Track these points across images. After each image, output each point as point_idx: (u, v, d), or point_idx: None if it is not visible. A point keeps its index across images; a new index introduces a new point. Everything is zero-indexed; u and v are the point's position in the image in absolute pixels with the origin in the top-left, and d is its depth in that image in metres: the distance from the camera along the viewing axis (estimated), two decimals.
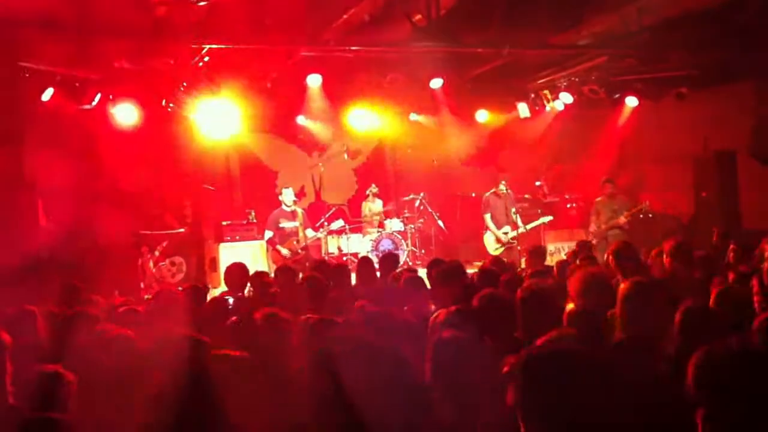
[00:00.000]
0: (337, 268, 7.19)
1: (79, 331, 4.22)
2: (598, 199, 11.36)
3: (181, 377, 2.74)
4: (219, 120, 11.63)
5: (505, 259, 8.89)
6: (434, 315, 4.15)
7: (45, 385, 3.26)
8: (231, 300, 6.12)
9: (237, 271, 6.68)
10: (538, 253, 7.89)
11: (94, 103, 10.17)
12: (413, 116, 13.42)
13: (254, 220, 12.13)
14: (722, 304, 4.01)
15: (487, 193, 11.57)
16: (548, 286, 4.52)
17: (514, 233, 11.18)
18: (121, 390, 3.18)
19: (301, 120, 12.74)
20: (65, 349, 3.87)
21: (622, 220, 10.87)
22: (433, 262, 7.02)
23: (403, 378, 2.73)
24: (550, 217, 11.79)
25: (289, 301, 5.43)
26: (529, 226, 11.31)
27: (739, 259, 6.05)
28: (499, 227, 11.39)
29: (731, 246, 6.52)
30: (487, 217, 11.46)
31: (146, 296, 10.81)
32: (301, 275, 7.89)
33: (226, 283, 6.61)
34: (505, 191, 11.34)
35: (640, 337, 3.54)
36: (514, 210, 11.34)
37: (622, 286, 3.86)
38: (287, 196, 10.86)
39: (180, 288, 8.57)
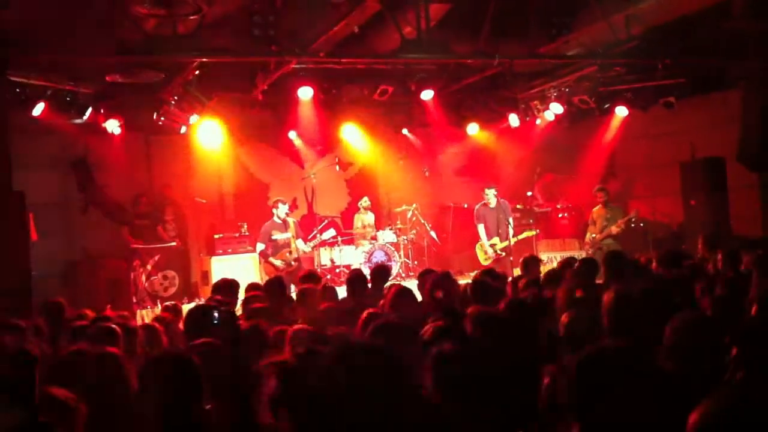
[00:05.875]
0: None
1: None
2: (595, 208, 11.38)
3: None
4: (210, 132, 11.62)
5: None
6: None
7: None
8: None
9: (225, 287, 6.56)
10: (532, 262, 7.84)
11: (85, 117, 10.18)
12: (404, 129, 13.51)
13: (246, 233, 12.09)
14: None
15: (478, 205, 11.63)
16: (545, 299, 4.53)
17: (502, 245, 11.25)
18: None
19: (292, 132, 12.77)
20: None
21: (615, 230, 10.91)
22: (424, 272, 7.01)
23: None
24: (536, 231, 11.86)
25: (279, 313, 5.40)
26: (514, 240, 11.37)
27: (727, 266, 6.07)
28: (489, 238, 11.45)
29: (719, 253, 6.53)
30: (480, 227, 11.55)
31: (138, 310, 10.80)
32: (293, 287, 7.93)
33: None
34: (493, 202, 11.37)
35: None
36: (511, 221, 11.39)
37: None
38: (282, 209, 10.85)
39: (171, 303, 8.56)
